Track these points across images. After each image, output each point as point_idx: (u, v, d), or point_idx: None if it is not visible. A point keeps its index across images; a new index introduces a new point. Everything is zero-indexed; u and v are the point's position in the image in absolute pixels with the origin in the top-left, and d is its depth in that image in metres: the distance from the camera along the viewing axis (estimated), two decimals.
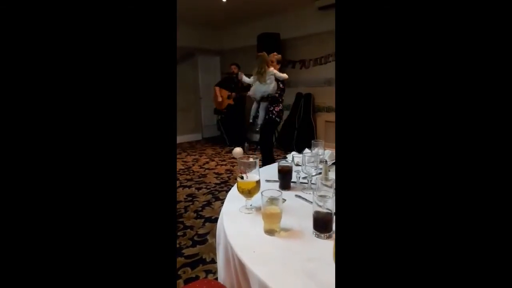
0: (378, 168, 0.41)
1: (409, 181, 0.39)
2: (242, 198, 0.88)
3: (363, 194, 0.41)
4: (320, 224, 0.70)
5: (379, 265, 0.39)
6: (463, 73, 0.37)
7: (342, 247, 0.42)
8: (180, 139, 5.28)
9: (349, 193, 0.42)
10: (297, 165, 1.16)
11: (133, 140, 0.45)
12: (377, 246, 0.39)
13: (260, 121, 2.89)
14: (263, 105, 2.85)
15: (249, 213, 0.85)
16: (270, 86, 2.73)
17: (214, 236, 1.56)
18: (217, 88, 4.64)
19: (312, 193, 0.73)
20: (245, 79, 2.99)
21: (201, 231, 2.01)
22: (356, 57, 0.42)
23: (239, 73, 3.21)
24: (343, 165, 0.43)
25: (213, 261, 1.62)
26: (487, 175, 0.37)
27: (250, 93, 2.91)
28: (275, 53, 2.87)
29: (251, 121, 3.00)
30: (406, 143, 0.39)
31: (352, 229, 0.41)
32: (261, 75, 2.73)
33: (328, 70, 4.13)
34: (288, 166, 1.07)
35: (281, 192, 0.74)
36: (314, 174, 1.03)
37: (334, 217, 0.67)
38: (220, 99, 4.59)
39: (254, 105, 2.95)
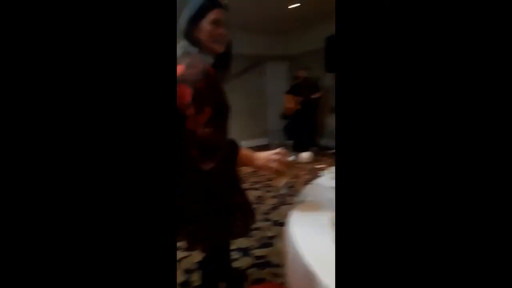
0: (378, 174, 0.42)
1: (411, 188, 0.40)
2: (311, 205, 0.87)
3: (364, 200, 0.42)
4: None
5: (380, 274, 0.40)
6: (463, 79, 0.38)
7: (343, 256, 0.43)
8: (246, 144, 5.48)
9: (350, 198, 0.43)
10: None
11: (135, 147, 0.45)
12: (379, 254, 0.40)
13: None
14: None
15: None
16: None
17: (281, 239, 1.57)
18: (287, 96, 4.75)
19: None
20: None
21: (269, 234, 2.05)
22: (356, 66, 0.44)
23: None
24: (343, 171, 0.45)
25: (280, 265, 1.63)
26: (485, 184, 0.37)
27: None
28: None
29: None
30: (406, 151, 0.41)
31: (353, 236, 0.42)
32: None
33: None
34: None
35: None
36: None
37: None
38: (289, 105, 4.67)
39: None
